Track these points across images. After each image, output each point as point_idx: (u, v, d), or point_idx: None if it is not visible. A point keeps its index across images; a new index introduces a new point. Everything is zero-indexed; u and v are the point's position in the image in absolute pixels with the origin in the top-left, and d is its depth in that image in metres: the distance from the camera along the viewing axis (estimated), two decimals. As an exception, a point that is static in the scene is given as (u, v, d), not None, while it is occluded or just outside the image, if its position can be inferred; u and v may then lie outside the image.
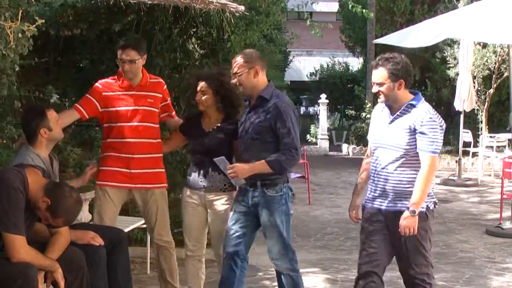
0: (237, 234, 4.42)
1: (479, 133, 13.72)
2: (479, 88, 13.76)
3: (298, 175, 10.63)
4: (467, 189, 11.44)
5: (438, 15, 10.26)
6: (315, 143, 20.18)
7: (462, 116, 12.25)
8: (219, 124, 4.61)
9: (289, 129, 4.27)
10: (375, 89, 4.13)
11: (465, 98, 11.67)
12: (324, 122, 19.47)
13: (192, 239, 4.71)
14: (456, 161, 12.40)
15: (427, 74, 16.03)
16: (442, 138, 4.06)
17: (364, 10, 7.73)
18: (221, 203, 4.58)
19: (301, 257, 6.78)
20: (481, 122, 14.10)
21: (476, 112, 14.13)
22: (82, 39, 6.38)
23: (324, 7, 21.48)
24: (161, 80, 5.00)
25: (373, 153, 4.23)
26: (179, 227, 6.55)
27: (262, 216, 4.38)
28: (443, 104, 16.17)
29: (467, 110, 12.06)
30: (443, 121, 4.10)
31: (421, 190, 3.99)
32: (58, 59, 6.60)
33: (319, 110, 19.93)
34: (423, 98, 4.15)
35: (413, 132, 4.01)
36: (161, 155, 4.89)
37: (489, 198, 10.61)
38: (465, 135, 12.57)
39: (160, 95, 4.89)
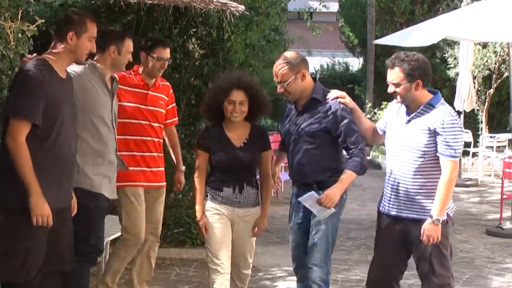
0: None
1: (479, 133, 13.71)
2: (479, 88, 13.74)
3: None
4: (467, 189, 11.42)
5: (438, 15, 10.25)
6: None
7: (462, 116, 12.23)
8: (248, 137, 4.28)
9: (349, 127, 4.13)
10: (391, 89, 3.92)
11: (465, 98, 11.65)
12: (324, 122, 19.35)
13: (224, 255, 4.23)
14: (456, 161, 12.38)
15: (427, 74, 16.03)
16: (463, 141, 3.89)
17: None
18: (252, 218, 4.32)
19: (301, 257, 6.83)
20: (481, 122, 14.08)
21: (476, 112, 14.12)
22: (82, 39, 6.36)
23: (324, 7, 21.46)
24: (168, 83, 5.07)
25: (387, 154, 4.06)
26: (179, 227, 6.57)
27: (314, 219, 4.18)
28: (443, 104, 16.16)
29: (467, 110, 12.05)
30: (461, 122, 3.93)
31: (444, 196, 3.79)
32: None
33: (319, 110, 19.86)
34: (442, 99, 3.94)
35: (432, 134, 3.81)
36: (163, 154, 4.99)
37: (489, 198, 10.60)
38: (465, 135, 12.56)
39: (168, 99, 4.97)
